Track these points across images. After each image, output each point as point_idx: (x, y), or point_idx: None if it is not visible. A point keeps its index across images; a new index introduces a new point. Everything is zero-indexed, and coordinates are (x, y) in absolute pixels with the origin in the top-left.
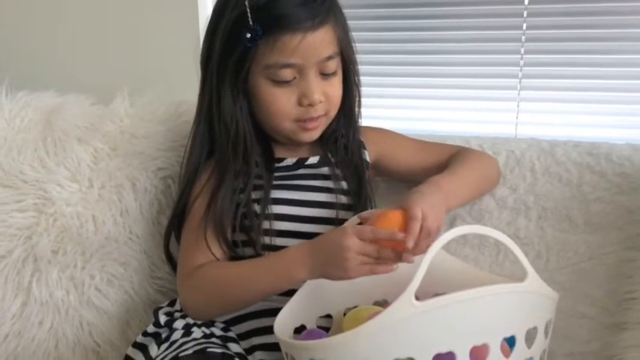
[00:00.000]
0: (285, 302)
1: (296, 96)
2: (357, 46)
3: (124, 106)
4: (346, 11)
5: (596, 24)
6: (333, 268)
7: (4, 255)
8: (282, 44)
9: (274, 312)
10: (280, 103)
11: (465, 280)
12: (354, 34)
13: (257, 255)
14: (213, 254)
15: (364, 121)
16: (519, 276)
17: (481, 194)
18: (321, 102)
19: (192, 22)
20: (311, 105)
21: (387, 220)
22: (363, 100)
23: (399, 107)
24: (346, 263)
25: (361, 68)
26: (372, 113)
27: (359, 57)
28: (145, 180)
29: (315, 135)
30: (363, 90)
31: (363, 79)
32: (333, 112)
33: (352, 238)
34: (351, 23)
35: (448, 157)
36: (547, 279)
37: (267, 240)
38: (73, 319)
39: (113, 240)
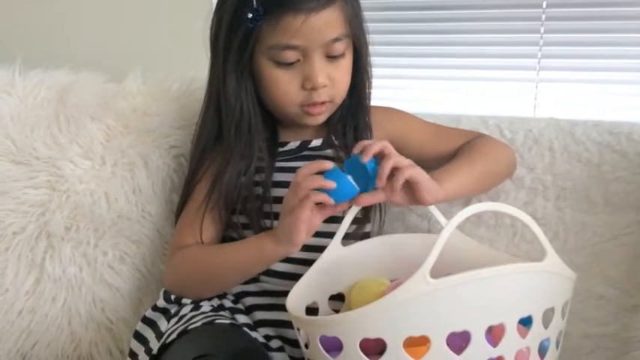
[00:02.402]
0: (280, 285)
1: (299, 79)
2: (372, 25)
3: (137, 83)
4: None
5: (617, 1)
6: (286, 217)
7: (17, 231)
8: (284, 25)
9: (272, 293)
10: (283, 86)
11: (481, 261)
12: (367, 14)
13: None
14: (201, 238)
15: (378, 102)
16: (536, 257)
17: (487, 187)
18: (325, 86)
19: None
20: (314, 89)
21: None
22: (379, 81)
23: (416, 88)
24: (291, 203)
25: (377, 49)
26: (388, 94)
27: (374, 37)
28: (158, 158)
29: (320, 119)
30: (379, 71)
31: (378, 59)
32: (339, 99)
33: (299, 174)
34: (363, 1)
35: (463, 145)
36: (565, 260)
37: (267, 223)
38: (86, 296)
39: (126, 218)
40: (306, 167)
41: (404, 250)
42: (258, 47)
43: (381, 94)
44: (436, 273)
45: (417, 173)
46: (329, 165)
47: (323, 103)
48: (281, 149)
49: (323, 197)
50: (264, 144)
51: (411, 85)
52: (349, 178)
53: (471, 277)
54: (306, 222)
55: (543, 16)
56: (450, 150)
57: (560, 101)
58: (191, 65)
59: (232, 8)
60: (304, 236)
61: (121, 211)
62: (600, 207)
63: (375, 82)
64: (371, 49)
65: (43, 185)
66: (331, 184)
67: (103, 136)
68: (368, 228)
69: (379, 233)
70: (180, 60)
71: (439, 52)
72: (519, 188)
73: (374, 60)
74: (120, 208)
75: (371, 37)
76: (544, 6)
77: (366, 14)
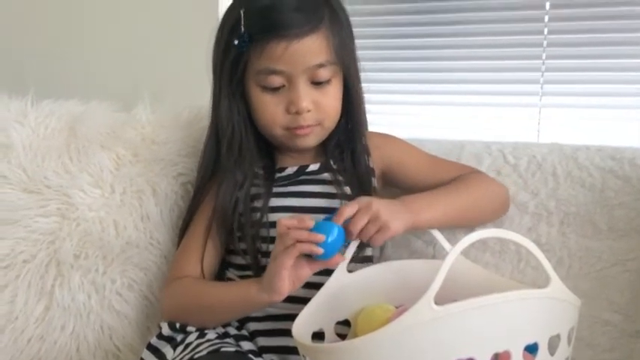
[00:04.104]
0: (284, 309)
1: (285, 103)
2: (378, 53)
3: (146, 112)
4: (359, 19)
5: (618, 28)
6: (271, 264)
7: (27, 259)
8: (268, 51)
9: (276, 317)
10: (269, 110)
11: (486, 287)
12: (374, 41)
13: (256, 263)
14: (202, 265)
15: (383, 128)
16: (541, 283)
17: (471, 221)
18: (309, 111)
19: (213, 29)
20: (298, 113)
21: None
22: (382, 107)
23: (420, 115)
24: (276, 251)
25: (382, 75)
26: (394, 120)
27: (379, 64)
28: (166, 186)
29: (309, 141)
30: (384, 97)
31: (382, 86)
32: (329, 123)
33: (282, 226)
34: (367, 30)
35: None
36: (570, 286)
37: (264, 247)
38: (94, 324)
39: (134, 245)
40: (287, 220)
41: (409, 276)
42: (247, 72)
43: (388, 120)
44: (442, 299)
45: (386, 230)
46: (310, 223)
47: (309, 126)
48: (279, 175)
49: (310, 247)
50: (260, 170)
51: (415, 112)
52: (337, 227)
53: (475, 304)
54: (290, 271)
55: (545, 42)
56: (444, 181)
57: (564, 126)
58: (200, 94)
59: (225, 34)
60: (288, 285)
61: (129, 238)
62: (604, 232)
63: (382, 108)
64: (376, 75)
65: (54, 213)
66: (320, 238)
67: (113, 164)
68: (369, 252)
69: (381, 256)
70: (189, 88)
71: (444, 79)
72: (523, 214)
73: (380, 87)
74: (128, 235)
75: (376, 64)
76: (545, 32)
77: (372, 42)
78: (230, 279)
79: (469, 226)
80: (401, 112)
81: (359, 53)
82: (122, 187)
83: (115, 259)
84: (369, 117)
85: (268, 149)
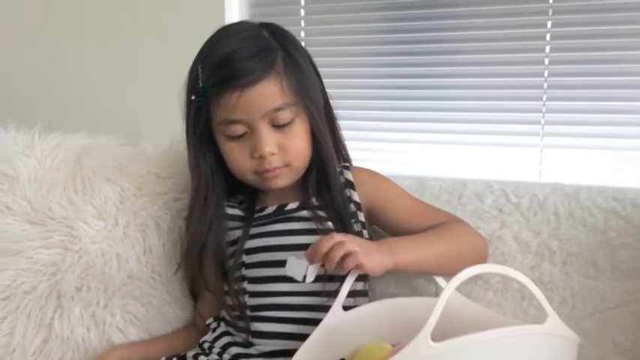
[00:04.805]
0: (276, 345)
1: (249, 150)
2: (385, 92)
3: (151, 146)
4: (365, 59)
5: (619, 71)
6: None
7: (28, 291)
8: (224, 102)
9: (270, 354)
10: (236, 157)
11: (484, 323)
12: (382, 81)
13: (239, 303)
14: (201, 313)
15: (384, 165)
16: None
17: (449, 269)
18: (273, 154)
19: None
20: (262, 157)
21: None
22: (387, 145)
23: (422, 153)
24: None
25: (387, 114)
26: (398, 158)
27: (385, 102)
28: (169, 220)
29: (280, 182)
30: (389, 135)
31: (388, 124)
32: (298, 163)
33: None
34: (375, 70)
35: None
36: (573, 326)
37: (242, 285)
38: (92, 358)
39: (136, 278)
40: None
41: (405, 313)
42: (212, 124)
43: (392, 157)
44: (439, 336)
45: (355, 256)
46: None
47: (276, 168)
48: (259, 214)
49: None
50: (240, 211)
51: (419, 150)
52: None
53: (472, 340)
54: None
55: (545, 84)
56: (428, 227)
57: (565, 166)
58: None
59: (186, 89)
60: None
61: (131, 271)
62: (607, 273)
63: (387, 145)
64: (381, 114)
65: (57, 245)
66: None
67: (117, 197)
68: (360, 286)
69: (370, 290)
70: None
71: (448, 118)
72: (526, 252)
73: (379, 125)
74: (130, 268)
75: (382, 103)
76: (546, 75)
77: (381, 81)
78: (222, 318)
79: (447, 275)
80: (405, 150)
81: (366, 92)
82: (126, 220)
83: (116, 292)
84: (376, 154)
85: (250, 190)
